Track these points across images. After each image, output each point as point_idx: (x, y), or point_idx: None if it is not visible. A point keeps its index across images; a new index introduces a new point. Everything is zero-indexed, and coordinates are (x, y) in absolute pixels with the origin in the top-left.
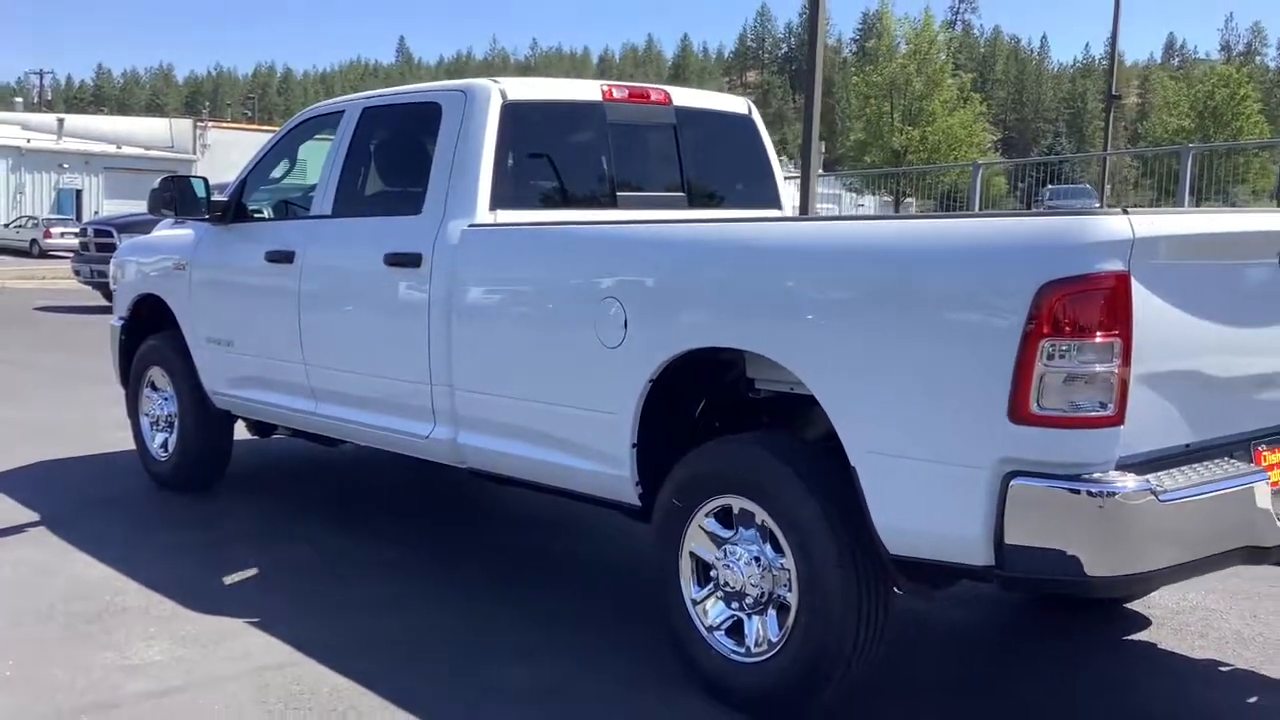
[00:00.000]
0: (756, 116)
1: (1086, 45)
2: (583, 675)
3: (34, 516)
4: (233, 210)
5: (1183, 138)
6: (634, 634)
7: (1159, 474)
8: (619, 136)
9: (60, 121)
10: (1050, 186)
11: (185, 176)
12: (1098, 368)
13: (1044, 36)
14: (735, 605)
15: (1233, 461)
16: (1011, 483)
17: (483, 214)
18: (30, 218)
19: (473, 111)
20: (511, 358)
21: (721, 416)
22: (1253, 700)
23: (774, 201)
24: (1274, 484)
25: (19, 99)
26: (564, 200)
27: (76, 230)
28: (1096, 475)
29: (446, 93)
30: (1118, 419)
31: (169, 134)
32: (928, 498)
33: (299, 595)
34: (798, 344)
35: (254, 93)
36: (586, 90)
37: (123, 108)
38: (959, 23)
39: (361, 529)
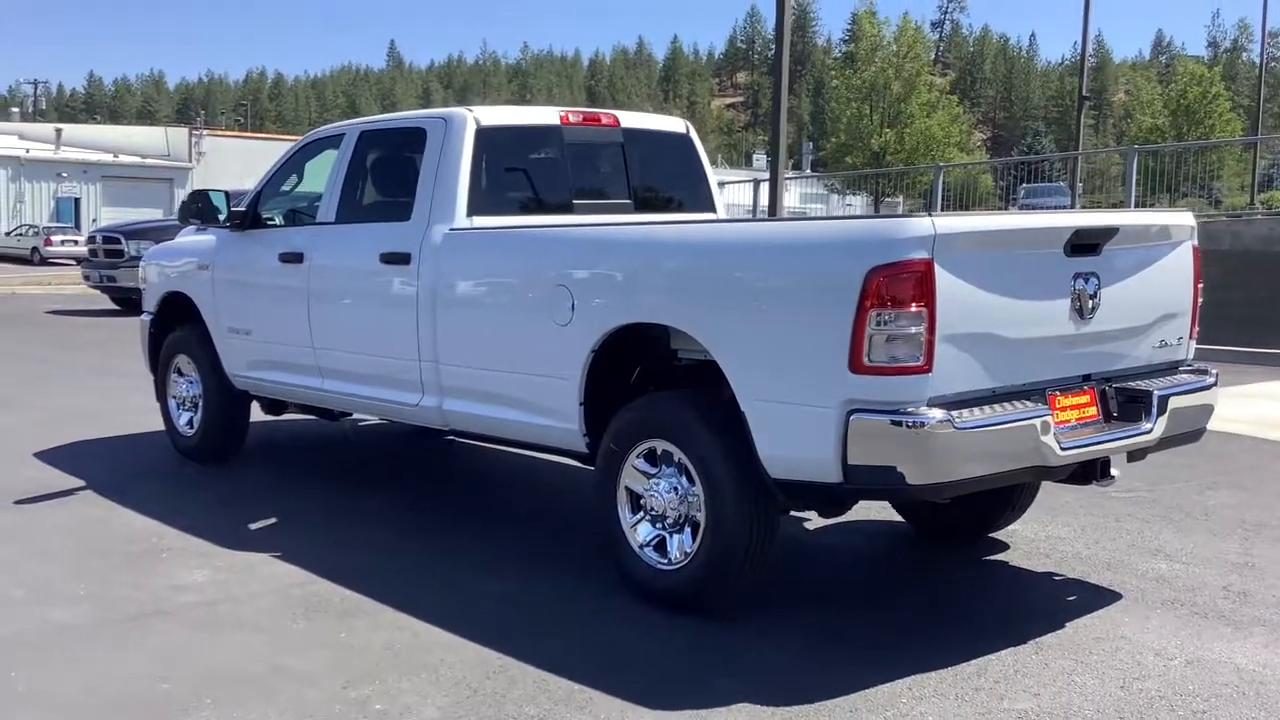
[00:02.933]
0: (694, 135)
1: (1075, 43)
2: (540, 585)
3: (81, 483)
4: (249, 219)
5: (1156, 136)
6: (577, 556)
7: (962, 410)
8: (575, 154)
9: (58, 132)
10: (1025, 186)
11: (208, 191)
12: (911, 330)
13: (1032, 34)
14: (659, 526)
15: (1027, 403)
16: (852, 417)
17: (461, 220)
18: (31, 226)
19: (451, 135)
20: (485, 336)
21: (653, 380)
22: (1071, 599)
23: (709, 207)
24: (1061, 422)
25: (15, 109)
26: (530, 208)
27: (77, 238)
28: (911, 410)
29: (430, 119)
30: (927, 368)
31: (165, 142)
32: (796, 432)
33: (309, 537)
34: (702, 321)
35: (246, 99)
36: (547, 115)
37: (114, 115)
38: (947, 21)
39: (356, 488)
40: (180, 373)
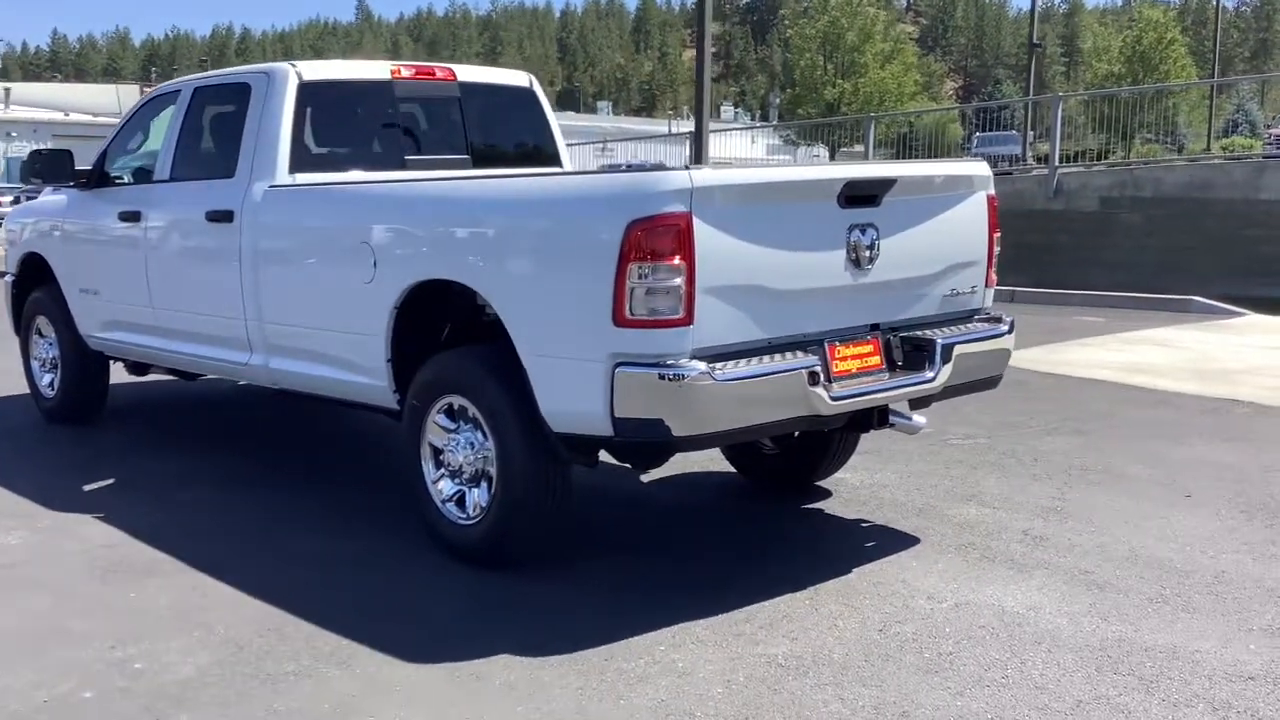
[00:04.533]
0: (538, 88)
1: None
2: (349, 542)
3: None
4: (96, 177)
5: (1112, 82)
6: (395, 512)
7: (726, 362)
8: (408, 109)
9: (6, 91)
10: (979, 134)
11: (54, 149)
12: (671, 283)
13: None
14: (458, 481)
15: (799, 354)
16: (617, 370)
17: (283, 176)
18: None
19: (273, 90)
20: (302, 293)
21: (465, 336)
22: (870, 544)
23: (555, 160)
24: (840, 372)
25: None
26: (358, 164)
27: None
28: (671, 362)
29: (254, 74)
30: (687, 320)
31: (116, 100)
32: (571, 387)
33: (140, 499)
34: (483, 277)
35: (210, 54)
36: (377, 70)
37: (80, 73)
38: None
39: (207, 451)
40: (41, 334)
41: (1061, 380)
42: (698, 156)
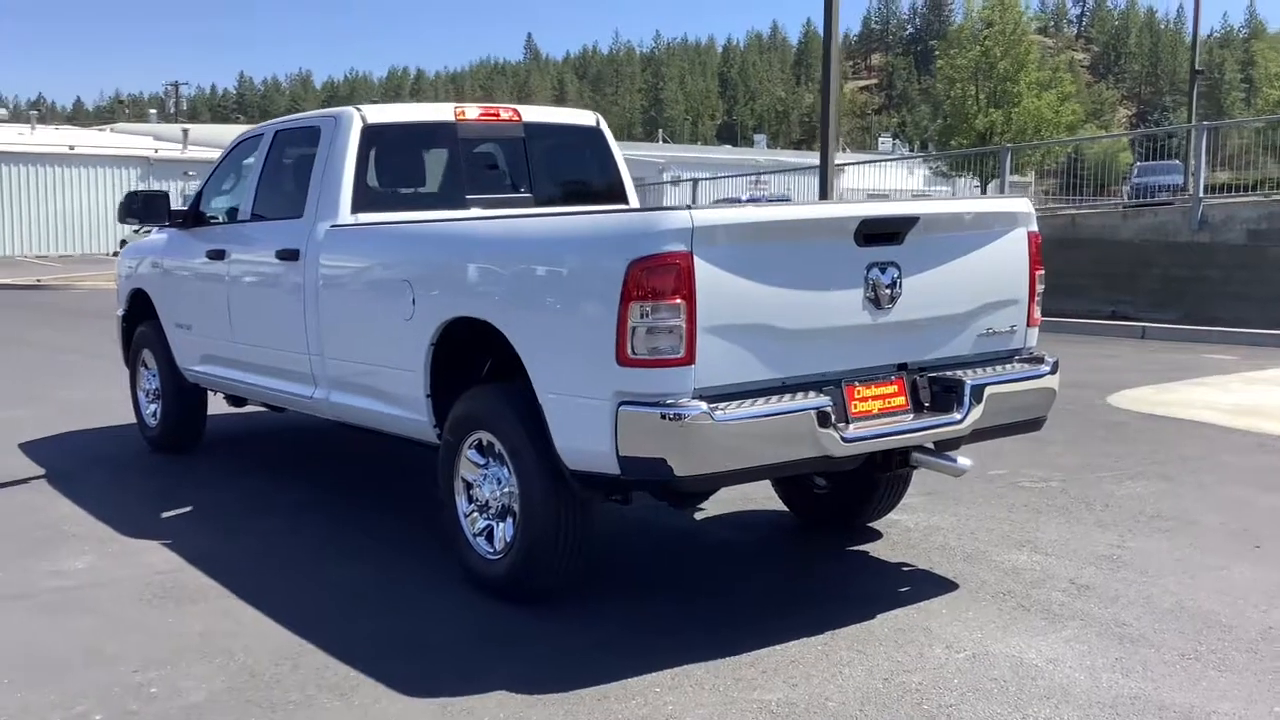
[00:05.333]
0: (604, 127)
1: (1225, 14)
2: (388, 571)
3: (41, 471)
4: (192, 217)
5: None
6: (427, 539)
7: (729, 402)
8: (471, 150)
9: (185, 132)
10: (1139, 164)
11: (151, 191)
12: (671, 323)
13: (1180, 6)
14: (487, 516)
15: (811, 394)
16: (620, 409)
17: (345, 216)
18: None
19: (339, 133)
20: (357, 330)
21: (506, 372)
22: (903, 590)
23: (621, 198)
24: (859, 413)
25: (154, 110)
26: (420, 204)
27: None
28: (672, 402)
29: (324, 117)
30: (689, 360)
31: None
32: (582, 425)
33: (209, 526)
34: (503, 315)
35: (385, 95)
36: (441, 112)
37: (264, 115)
38: None
39: (289, 480)
40: (146, 365)
41: (1161, 422)
42: (823, 191)
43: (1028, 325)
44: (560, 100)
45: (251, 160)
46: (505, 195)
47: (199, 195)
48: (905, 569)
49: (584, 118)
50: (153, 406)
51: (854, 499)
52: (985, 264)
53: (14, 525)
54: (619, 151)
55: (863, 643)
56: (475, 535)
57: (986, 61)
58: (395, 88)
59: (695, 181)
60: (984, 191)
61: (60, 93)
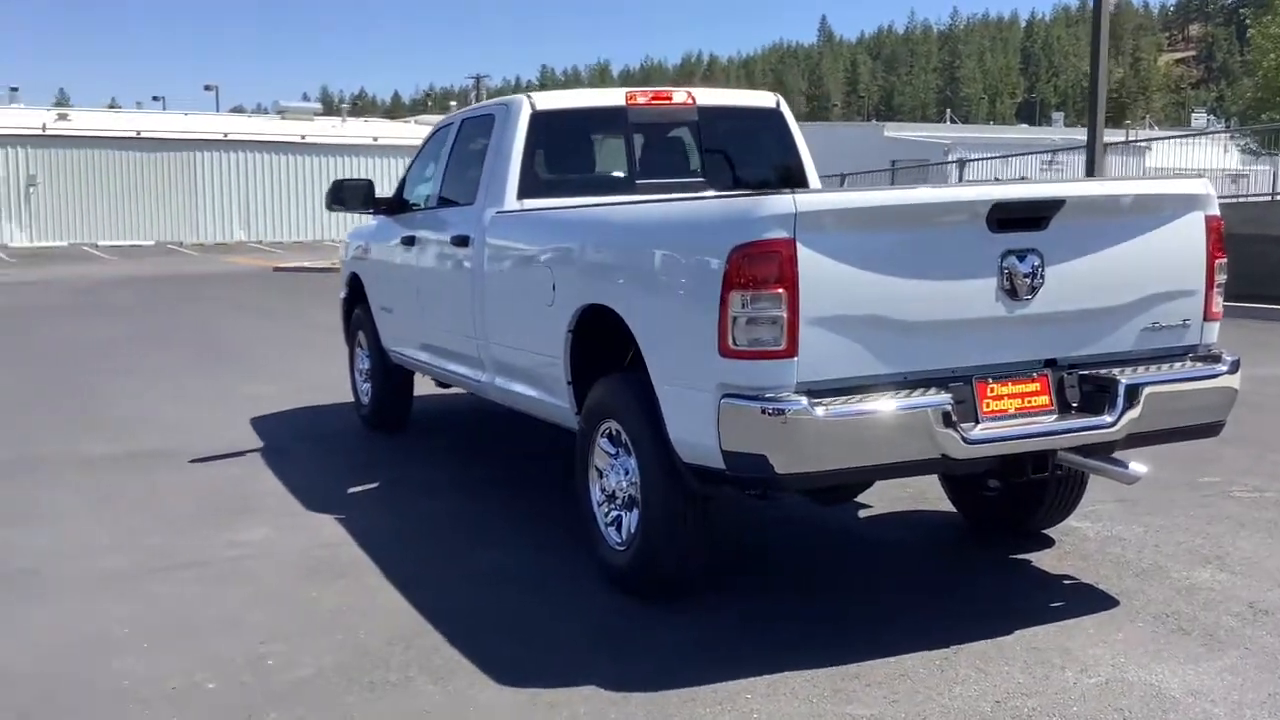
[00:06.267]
0: (784, 108)
1: None
2: (529, 558)
3: (259, 444)
4: (395, 203)
5: None
6: (568, 523)
7: (836, 397)
8: (642, 135)
9: None
10: None
11: (355, 180)
12: (772, 313)
13: None
14: (616, 506)
15: (933, 390)
16: (722, 402)
17: (511, 202)
18: None
19: (509, 120)
20: (514, 316)
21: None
22: (1057, 605)
23: (801, 180)
24: (992, 411)
25: (453, 103)
26: (587, 189)
27: None
28: (773, 396)
29: (498, 105)
30: (791, 352)
31: None
32: (691, 417)
33: (383, 504)
34: (624, 302)
35: (678, 80)
36: (611, 98)
37: None
38: None
39: (470, 459)
40: (361, 346)
41: None
42: (1090, 171)
43: (1205, 319)
44: (852, 81)
45: (444, 148)
46: (676, 180)
47: (402, 182)
48: (1067, 581)
49: (763, 99)
50: (366, 385)
51: (1026, 503)
52: (1151, 251)
53: (213, 497)
54: (800, 134)
55: (988, 660)
56: (606, 525)
57: None
58: (688, 74)
59: (962, 162)
60: None
61: (381, 87)
